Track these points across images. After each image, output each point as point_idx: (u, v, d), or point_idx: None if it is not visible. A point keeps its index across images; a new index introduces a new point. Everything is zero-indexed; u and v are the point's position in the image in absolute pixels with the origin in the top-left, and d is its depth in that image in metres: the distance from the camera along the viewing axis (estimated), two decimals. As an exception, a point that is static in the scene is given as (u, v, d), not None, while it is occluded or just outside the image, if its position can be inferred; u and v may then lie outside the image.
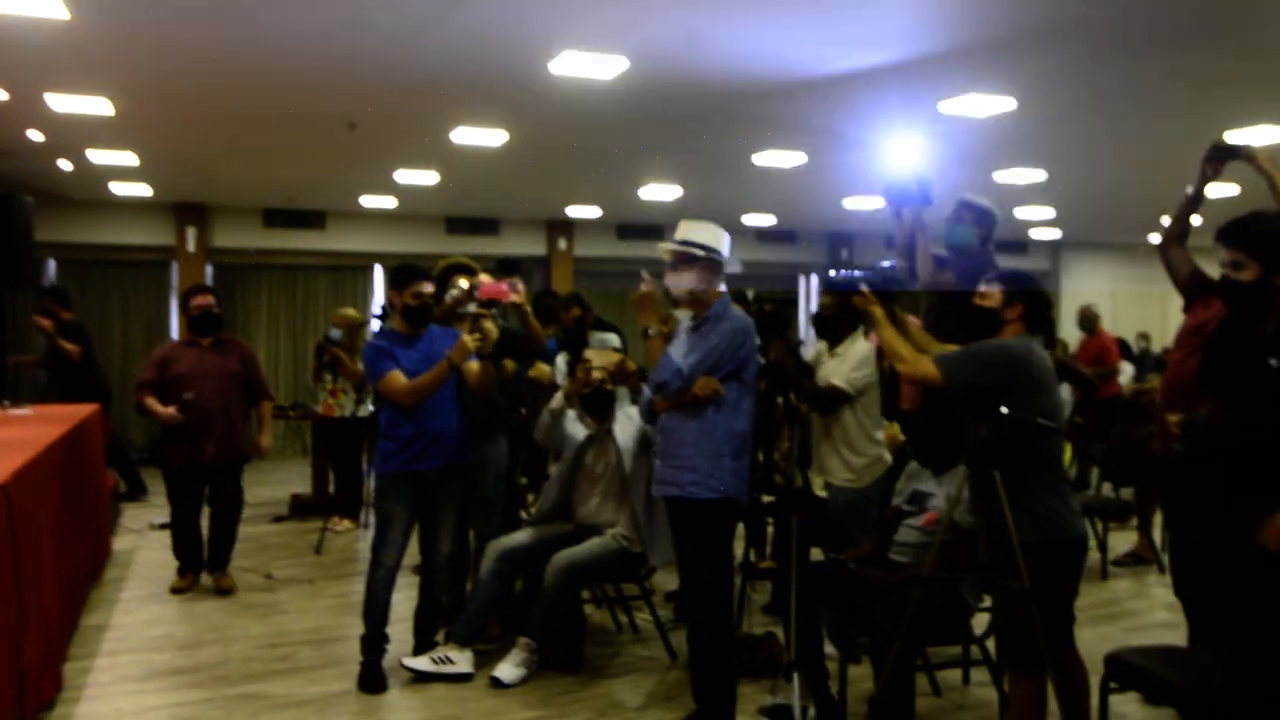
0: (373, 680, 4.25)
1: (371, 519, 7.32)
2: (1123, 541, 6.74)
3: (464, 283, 4.67)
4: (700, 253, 3.57)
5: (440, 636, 4.50)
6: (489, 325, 4.13)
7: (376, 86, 6.13)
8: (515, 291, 4.36)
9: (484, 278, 4.86)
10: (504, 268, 4.89)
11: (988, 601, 3.84)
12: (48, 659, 3.98)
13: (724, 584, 3.66)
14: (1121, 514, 6.45)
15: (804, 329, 13.91)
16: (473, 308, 4.37)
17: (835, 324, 4.56)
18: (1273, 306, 2.46)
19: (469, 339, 4.09)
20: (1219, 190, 9.97)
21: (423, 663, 4.32)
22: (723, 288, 3.69)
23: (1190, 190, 3.73)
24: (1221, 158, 3.60)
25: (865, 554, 4.02)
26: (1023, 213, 12.02)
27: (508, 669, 4.23)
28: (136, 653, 4.74)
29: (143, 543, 7.01)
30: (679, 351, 3.59)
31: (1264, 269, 2.47)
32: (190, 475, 5.65)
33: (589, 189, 10.59)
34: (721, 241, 3.64)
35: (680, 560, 3.76)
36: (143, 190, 10.21)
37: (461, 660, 4.33)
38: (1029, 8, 4.72)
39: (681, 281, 3.61)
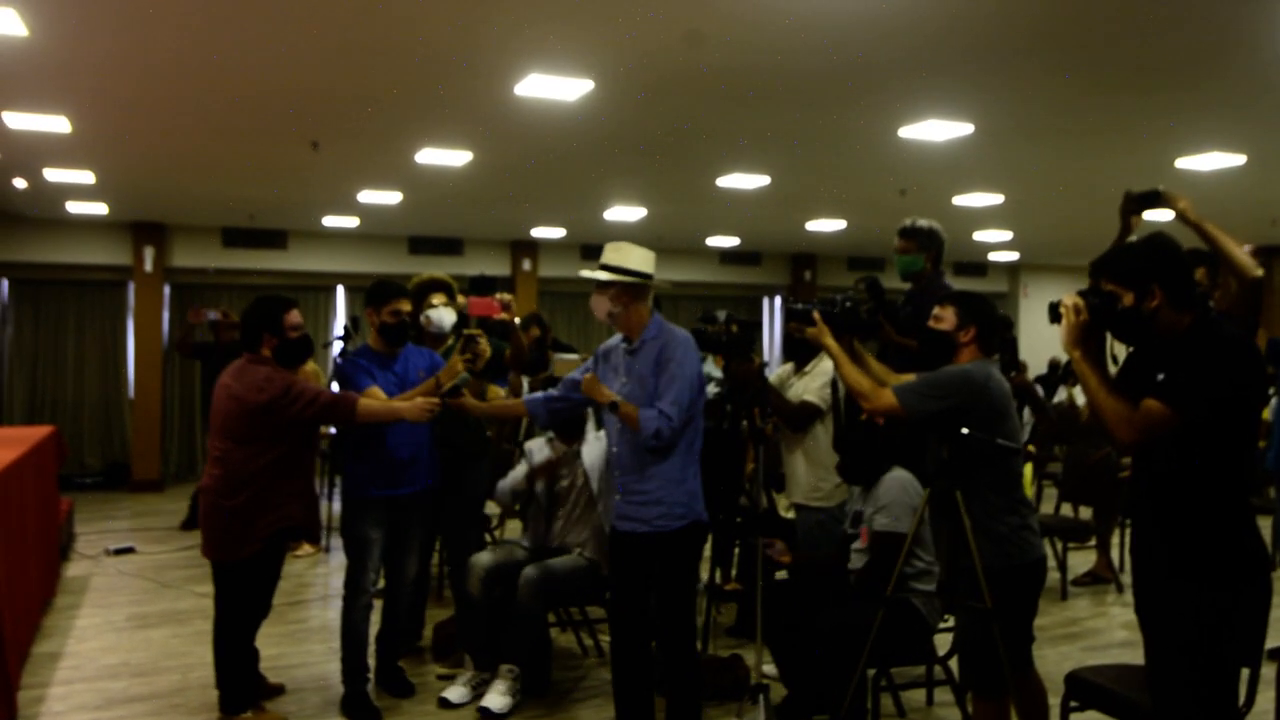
0: (364, 710, 4.17)
1: (333, 543, 7.28)
2: (1082, 561, 6.83)
3: (437, 300, 4.64)
4: (607, 275, 3.57)
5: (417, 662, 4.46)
6: (484, 346, 4.03)
7: (340, 107, 6.11)
8: (506, 310, 4.34)
9: (461, 298, 4.83)
10: (477, 285, 4.83)
11: (950, 621, 3.88)
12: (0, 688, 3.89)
13: (691, 608, 3.65)
14: (1080, 534, 6.54)
15: (767, 351, 14.03)
16: (445, 319, 4.29)
17: (804, 344, 4.59)
18: (1155, 328, 2.56)
19: (459, 360, 4.00)
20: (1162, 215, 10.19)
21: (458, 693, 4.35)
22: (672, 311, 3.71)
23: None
24: (1139, 208, 3.49)
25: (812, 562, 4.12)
26: (981, 235, 12.22)
27: (496, 698, 4.17)
28: (92, 681, 4.64)
29: (97, 569, 6.87)
30: (616, 377, 3.61)
31: (1136, 295, 2.57)
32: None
33: (553, 210, 10.60)
34: (642, 262, 3.61)
35: (629, 590, 3.68)
36: (99, 209, 10.07)
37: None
38: (986, 35, 4.82)
39: (599, 306, 3.63)
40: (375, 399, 4.03)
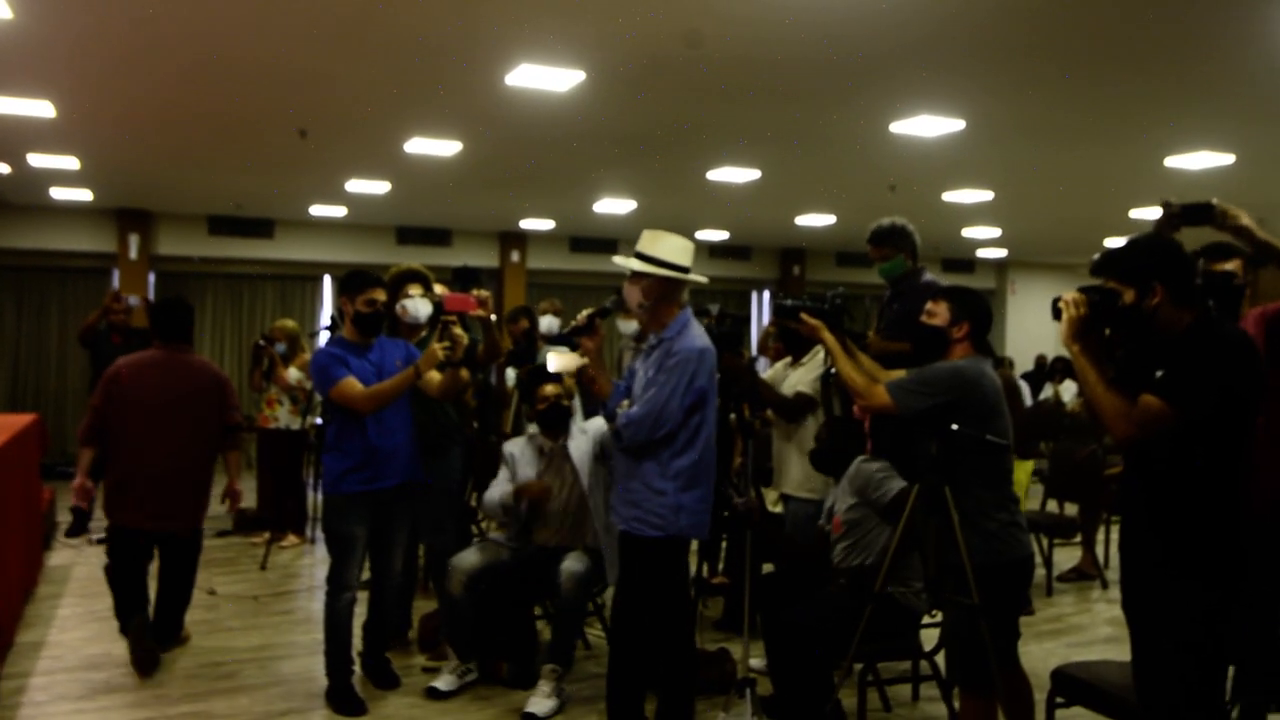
0: (349, 701, 4.14)
1: (318, 534, 7.25)
2: (1067, 558, 6.86)
3: (414, 291, 4.61)
4: (642, 266, 3.43)
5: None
6: (459, 332, 4.01)
7: (329, 95, 6.07)
8: (483, 306, 4.28)
9: (439, 288, 4.80)
10: (460, 277, 4.79)
11: (937, 616, 3.89)
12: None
13: (679, 620, 3.55)
14: (1066, 530, 6.56)
15: (755, 346, 14.04)
16: (421, 310, 4.28)
17: (799, 337, 4.60)
18: (1156, 326, 2.57)
19: (438, 347, 3.98)
20: (1160, 213, 10.23)
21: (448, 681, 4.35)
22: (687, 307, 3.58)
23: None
24: (1185, 223, 3.07)
25: (798, 556, 4.13)
26: (970, 232, 12.25)
27: (541, 702, 4.10)
28: (74, 671, 4.60)
29: (80, 558, 6.82)
30: (639, 377, 3.51)
31: (1138, 292, 2.58)
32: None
33: (543, 201, 10.57)
34: (677, 253, 3.47)
35: (620, 585, 3.69)
36: (84, 195, 9.98)
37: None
38: (981, 32, 4.81)
39: (631, 297, 3.51)
40: (353, 389, 4.03)
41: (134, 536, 4.69)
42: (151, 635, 4.65)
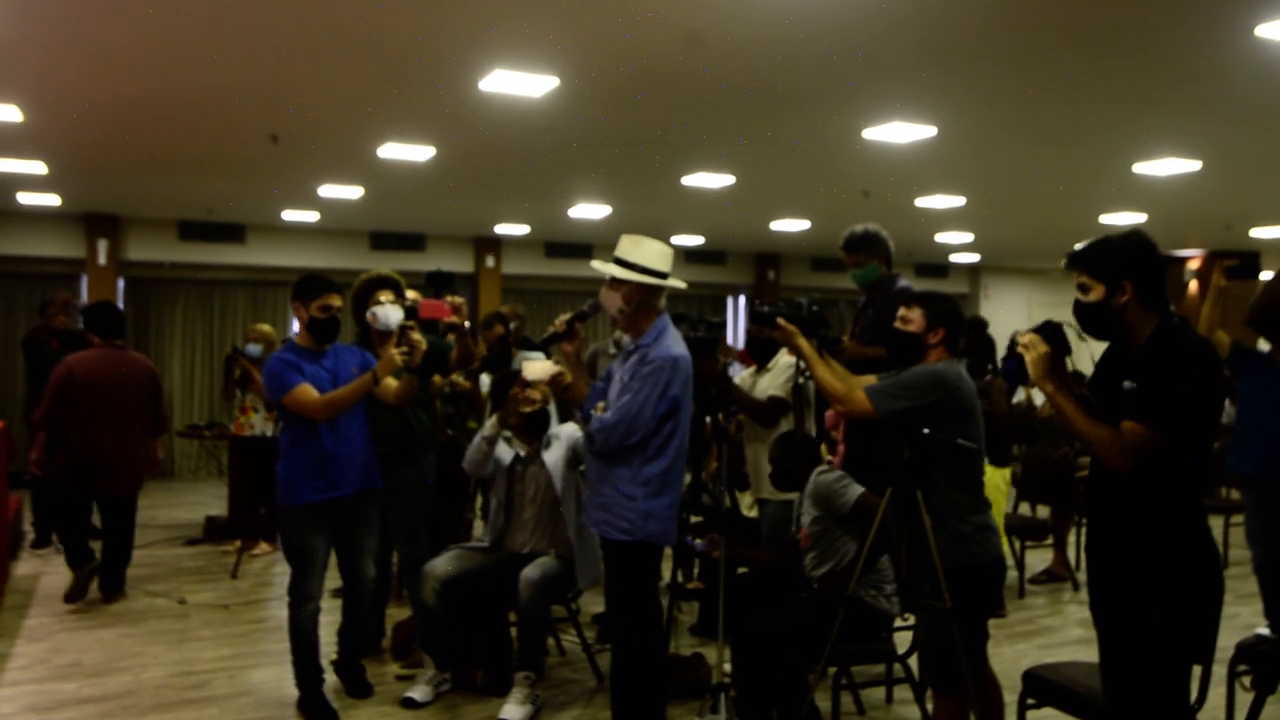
0: (321, 710, 4.09)
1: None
2: (1039, 560, 6.92)
3: (384, 298, 4.56)
4: (621, 272, 3.42)
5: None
6: (417, 337, 3.91)
7: (301, 100, 6.02)
8: (456, 312, 4.22)
9: (410, 294, 4.77)
10: (434, 281, 4.73)
11: (909, 620, 3.91)
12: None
13: (645, 624, 3.53)
14: (1038, 533, 6.62)
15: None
16: (392, 316, 4.29)
17: (766, 343, 4.63)
18: (1122, 324, 2.57)
19: (396, 353, 3.89)
20: (1129, 218, 10.35)
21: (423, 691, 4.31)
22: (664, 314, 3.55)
23: None
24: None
25: (767, 561, 4.14)
26: (943, 237, 12.33)
27: (514, 708, 4.07)
28: (42, 682, 4.54)
29: (47, 568, 6.73)
30: (614, 382, 3.49)
31: (1107, 289, 2.58)
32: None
33: (517, 206, 10.54)
34: (657, 259, 3.45)
35: (606, 584, 3.72)
36: (51, 200, 9.85)
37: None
38: (951, 39, 4.85)
39: (610, 302, 3.48)
40: (308, 396, 3.94)
41: (75, 494, 5.77)
42: (100, 584, 5.89)
